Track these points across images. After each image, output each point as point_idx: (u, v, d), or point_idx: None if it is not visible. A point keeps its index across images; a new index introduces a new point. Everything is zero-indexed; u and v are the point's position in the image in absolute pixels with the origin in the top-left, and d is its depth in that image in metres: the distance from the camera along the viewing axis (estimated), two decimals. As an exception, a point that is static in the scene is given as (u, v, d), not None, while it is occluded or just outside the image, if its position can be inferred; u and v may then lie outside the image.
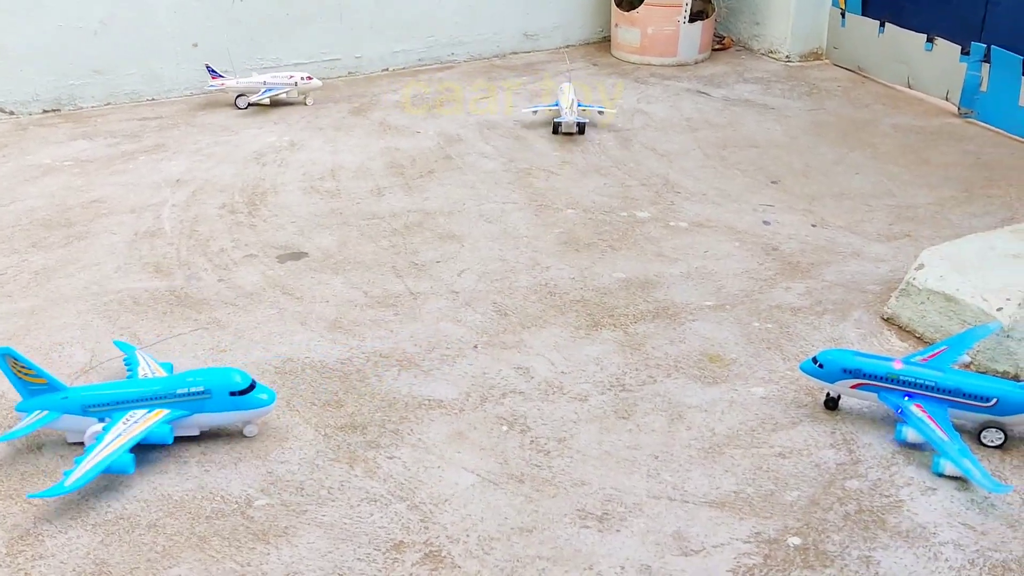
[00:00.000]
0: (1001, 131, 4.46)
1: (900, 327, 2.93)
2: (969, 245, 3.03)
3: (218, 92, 4.81)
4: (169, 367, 2.64)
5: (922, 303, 2.86)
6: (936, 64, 4.82)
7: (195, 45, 4.94)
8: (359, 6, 5.23)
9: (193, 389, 2.37)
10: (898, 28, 5.01)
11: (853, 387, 2.48)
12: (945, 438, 2.31)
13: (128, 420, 2.34)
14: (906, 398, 2.42)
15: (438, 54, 5.51)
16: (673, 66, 5.47)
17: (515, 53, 5.64)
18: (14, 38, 4.60)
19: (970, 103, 4.62)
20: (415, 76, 5.35)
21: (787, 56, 5.53)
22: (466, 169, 4.12)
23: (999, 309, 2.67)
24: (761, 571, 2.07)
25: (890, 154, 4.27)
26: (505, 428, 2.52)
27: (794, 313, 3.02)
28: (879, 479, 2.33)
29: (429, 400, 2.63)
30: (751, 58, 5.65)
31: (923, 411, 2.38)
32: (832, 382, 2.50)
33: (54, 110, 4.77)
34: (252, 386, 2.41)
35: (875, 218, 3.68)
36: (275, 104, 4.79)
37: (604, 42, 5.83)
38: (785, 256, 3.38)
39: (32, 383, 2.36)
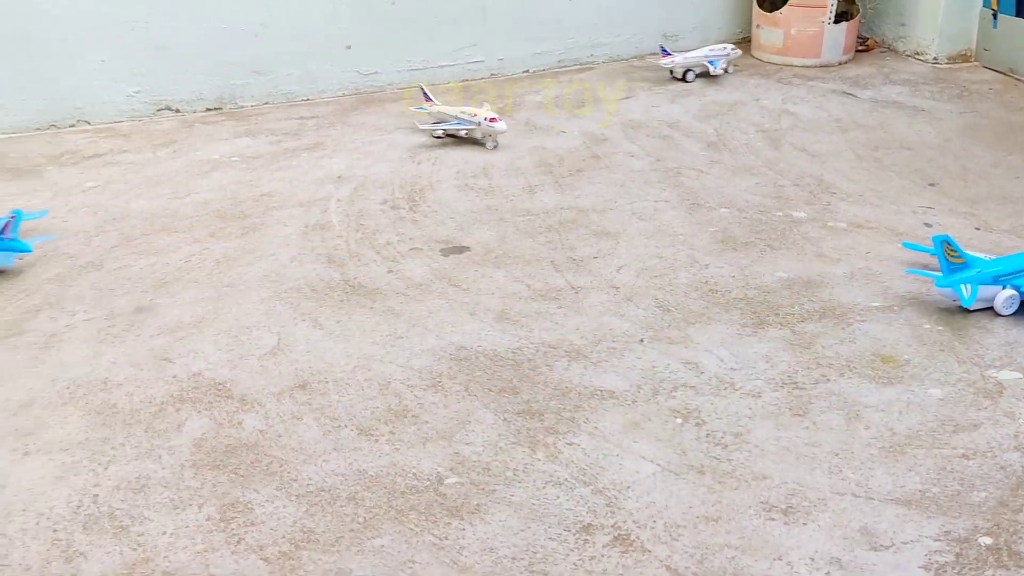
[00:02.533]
0: None
1: (1080, 332, 2.86)
2: None
3: (667, 68, 5.19)
4: None
5: (1105, 308, 2.79)
6: (1100, 65, 4.66)
7: (349, 47, 5.12)
8: (502, 9, 5.34)
9: None
10: (1057, 28, 4.86)
11: None
12: None
13: None
14: None
15: (577, 56, 5.58)
16: (816, 67, 5.42)
17: (654, 54, 5.66)
18: (181, 40, 4.85)
19: None
20: (555, 77, 5.43)
21: (934, 58, 5.41)
22: (614, 168, 4.18)
23: None
24: (954, 569, 2.06)
25: (1053, 157, 4.15)
26: (680, 420, 2.56)
27: (966, 316, 2.98)
28: (1071, 484, 2.29)
29: (601, 390, 2.68)
30: (896, 60, 5.55)
31: None
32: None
33: (216, 108, 5.01)
34: None
35: (1043, 222, 3.58)
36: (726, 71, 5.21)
37: (744, 43, 5.80)
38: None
39: (954, 263, 2.96)
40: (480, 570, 2.09)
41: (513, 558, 2.11)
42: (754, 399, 2.63)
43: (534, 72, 5.51)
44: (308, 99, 5.14)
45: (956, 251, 2.95)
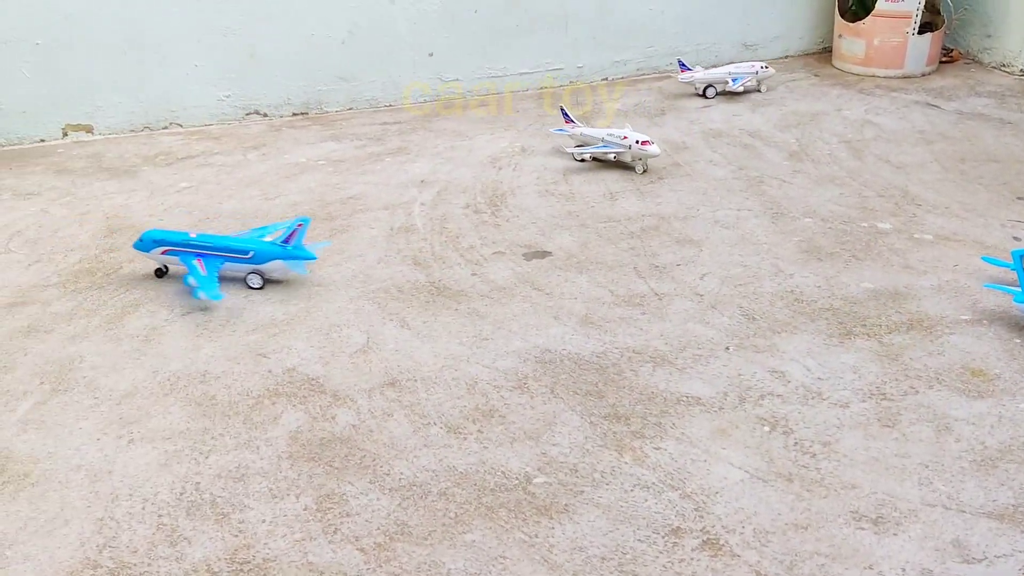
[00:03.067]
0: None
1: None
2: None
3: (687, 83, 5.17)
4: None
5: None
6: None
7: (431, 55, 5.21)
8: (582, 17, 5.39)
9: None
10: None
11: None
12: None
13: None
14: None
15: (656, 64, 5.60)
16: (899, 78, 5.35)
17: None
18: (269, 46, 4.99)
19: None
20: (634, 85, 5.45)
21: (1021, 70, 5.31)
22: (696, 176, 4.18)
23: None
24: (1051, 586, 2.04)
25: None
26: (767, 428, 2.56)
27: (1059, 331, 2.93)
28: None
29: (687, 396, 2.70)
30: (981, 71, 5.46)
31: None
32: None
33: (302, 113, 5.14)
34: None
35: None
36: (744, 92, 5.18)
37: (824, 53, 5.77)
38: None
39: None
40: (570, 568, 2.12)
41: (603, 558, 2.15)
42: (842, 409, 2.63)
43: (613, 80, 5.54)
44: (391, 105, 5.24)
45: None
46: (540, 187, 4.13)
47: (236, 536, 2.24)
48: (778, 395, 2.70)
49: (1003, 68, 5.42)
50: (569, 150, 4.36)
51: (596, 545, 2.18)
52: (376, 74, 5.18)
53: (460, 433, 2.57)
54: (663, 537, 2.20)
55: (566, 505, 2.31)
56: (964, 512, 2.25)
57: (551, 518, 2.27)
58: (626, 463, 2.45)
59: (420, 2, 5.13)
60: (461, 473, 2.42)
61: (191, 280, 3.20)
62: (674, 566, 2.12)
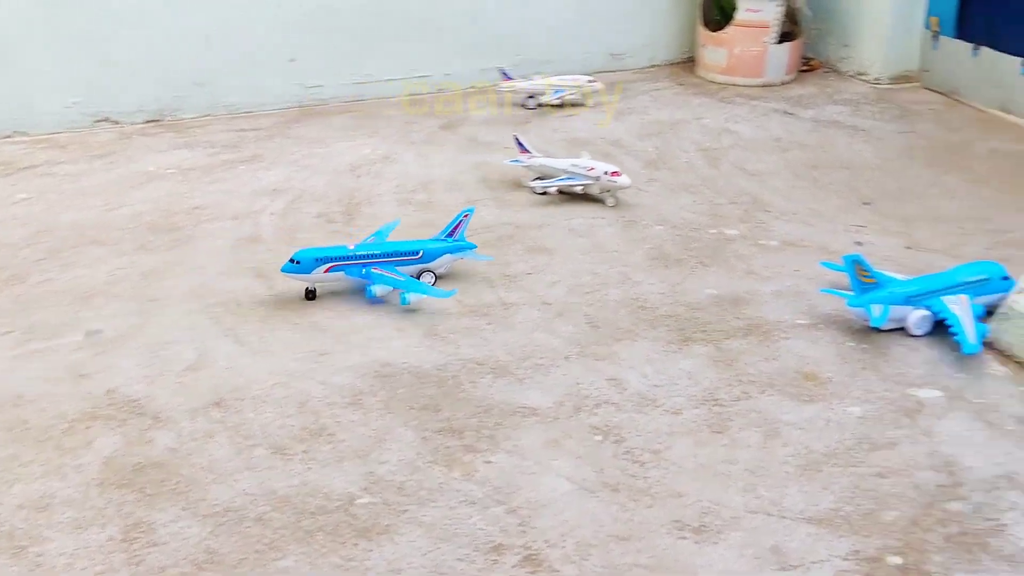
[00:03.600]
0: (1102, 157, 4.36)
1: (1000, 351, 2.89)
2: (1073, 270, 2.97)
3: (507, 92, 5.04)
4: None
5: (1022, 328, 2.81)
6: (1034, 88, 4.74)
7: (292, 60, 5.08)
8: (450, 24, 5.33)
9: (978, 278, 2.99)
10: (993, 51, 4.93)
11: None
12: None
13: (954, 302, 2.91)
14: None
15: (525, 72, 5.57)
16: (759, 87, 5.46)
17: (602, 72, 5.67)
18: (122, 50, 4.79)
19: (1070, 128, 4.53)
20: (502, 94, 5.41)
21: (876, 78, 5.47)
22: (555, 184, 4.16)
23: (1107, 335, 2.61)
24: (862, 589, 2.06)
25: (986, 178, 4.20)
26: (599, 438, 2.54)
27: (890, 335, 2.99)
28: (981, 503, 2.29)
29: (523, 407, 2.66)
30: (839, 80, 5.61)
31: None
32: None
33: (156, 120, 4.95)
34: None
35: (972, 242, 3.62)
36: (561, 105, 5.01)
37: (689, 62, 5.84)
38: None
39: (866, 283, 2.96)
40: (385, 591, 2.05)
41: (419, 579, 2.08)
42: (674, 416, 2.62)
43: (481, 88, 5.49)
44: (250, 111, 5.09)
45: (867, 271, 2.95)
46: (399, 196, 4.06)
47: (32, 571, 2.10)
48: (613, 403, 2.68)
49: (860, 76, 5.58)
50: (529, 184, 4.01)
51: (414, 566, 2.12)
52: (235, 79, 5.03)
53: (285, 454, 2.47)
54: (483, 555, 2.15)
55: (387, 526, 2.23)
56: (785, 518, 2.26)
57: (370, 540, 2.19)
58: (455, 479, 2.39)
59: (282, 6, 5.00)
60: (281, 496, 2.33)
61: (378, 290, 3.14)
62: (491, 585, 2.07)
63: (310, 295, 3.22)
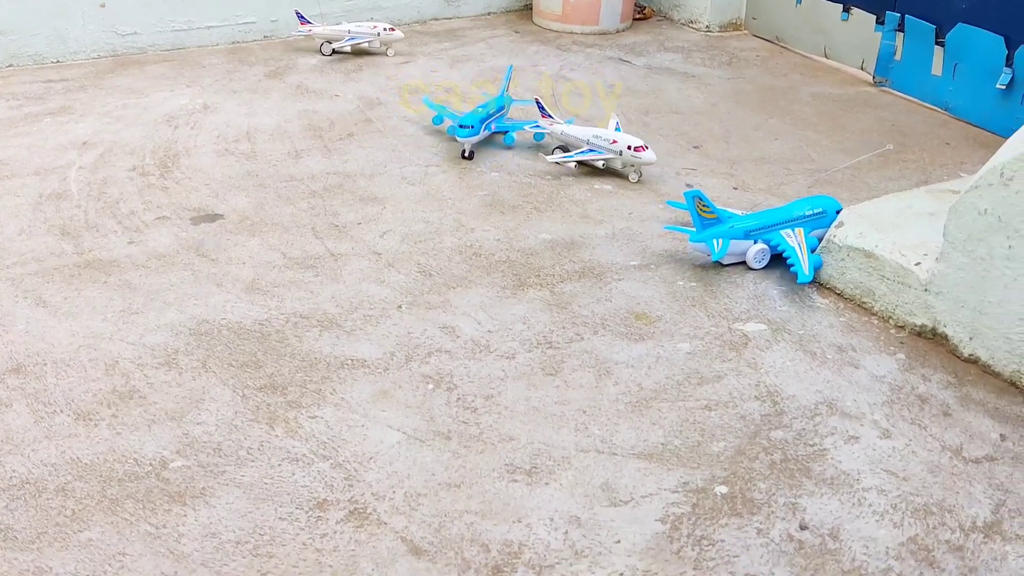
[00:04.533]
0: (914, 99, 4.56)
1: (820, 284, 2.97)
2: (887, 204, 3.08)
3: (303, 39, 4.89)
4: None
5: (842, 260, 2.90)
6: (852, 34, 4.90)
7: (102, 6, 4.73)
8: (275, -32, 5.05)
9: (815, 211, 3.06)
10: (815, -1, 5.08)
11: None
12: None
13: (790, 235, 2.96)
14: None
15: (356, 18, 5.37)
16: (595, 34, 5.45)
17: (436, 19, 5.55)
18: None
19: (885, 72, 4.71)
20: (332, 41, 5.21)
21: (707, 26, 5.56)
22: (387, 132, 4.04)
23: (917, 264, 2.72)
24: (690, 519, 2.07)
25: (808, 121, 4.32)
26: (431, 386, 2.47)
27: (718, 272, 3.03)
28: (803, 429, 2.35)
29: (352, 360, 2.56)
30: (672, 28, 5.67)
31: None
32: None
33: (-51, 71, 4.52)
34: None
35: (795, 181, 3.72)
36: (356, 53, 4.86)
37: (526, 10, 5.78)
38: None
39: (707, 218, 2.97)
40: (198, 558, 1.92)
41: (237, 542, 1.96)
42: (507, 361, 2.58)
43: (311, 35, 5.26)
44: (58, 61, 4.71)
45: (708, 206, 2.99)
46: (219, 146, 3.84)
47: None
48: (446, 351, 2.61)
49: (691, 25, 5.65)
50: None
51: (231, 529, 1.99)
52: (39, 27, 4.63)
53: (91, 420, 2.29)
54: (306, 512, 2.04)
55: (203, 489, 2.10)
56: (616, 455, 2.25)
57: (184, 505, 2.05)
58: (277, 436, 2.27)
59: (87, -53, 4.63)
60: (86, 464, 2.15)
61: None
62: (315, 542, 1.97)
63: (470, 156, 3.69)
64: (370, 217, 3.33)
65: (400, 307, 2.81)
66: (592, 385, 2.49)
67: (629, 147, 3.60)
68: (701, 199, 2.98)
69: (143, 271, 2.93)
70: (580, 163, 3.71)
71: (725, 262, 3.03)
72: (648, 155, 3.59)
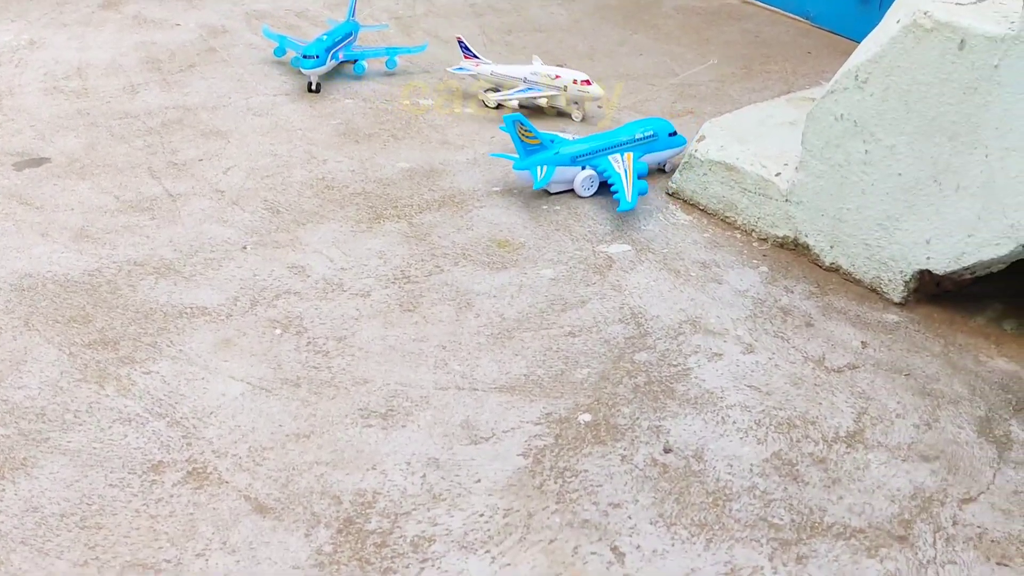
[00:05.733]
0: (777, 10, 4.52)
1: (684, 200, 2.91)
2: (748, 115, 3.02)
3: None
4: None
5: (704, 174, 2.84)
6: (714, -56, 4.81)
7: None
8: None
9: (645, 134, 2.93)
10: (677, -91, 4.95)
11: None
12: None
13: (616, 160, 2.84)
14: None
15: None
16: (455, -48, 5.21)
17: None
18: None
19: (747, -18, 4.65)
20: (174, -34, 4.85)
21: (571, -59, 5.37)
22: (232, 62, 3.77)
23: (777, 175, 2.67)
24: (552, 451, 1.99)
25: (672, 35, 4.24)
26: (279, 331, 2.31)
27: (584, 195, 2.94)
28: (667, 350, 2.29)
29: (191, 308, 2.37)
30: (535, -56, 5.47)
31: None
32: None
33: None
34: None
35: (659, 97, 3.63)
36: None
37: (382, -72, 5.48)
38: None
39: (530, 144, 2.80)
40: (19, 536, 1.75)
41: (62, 515, 1.79)
42: (362, 299, 2.43)
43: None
44: None
45: (531, 131, 2.83)
46: (47, 84, 3.52)
47: None
48: (296, 292, 2.45)
49: (555, -59, 5.46)
50: (483, 96, 3.44)
51: (55, 500, 1.82)
52: None
53: None
54: (139, 476, 1.88)
55: (24, 459, 1.91)
56: (476, 390, 2.15)
57: (3, 478, 1.86)
58: (107, 396, 2.08)
59: None
60: None
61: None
62: (149, 508, 1.82)
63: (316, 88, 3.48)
64: (212, 153, 3.10)
65: (245, 248, 2.62)
66: (452, 319, 2.38)
67: (575, 81, 3.31)
68: (523, 123, 2.82)
69: (-44, 224, 2.66)
70: (522, 105, 3.40)
71: (553, 190, 2.90)
72: (595, 89, 3.32)
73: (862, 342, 2.34)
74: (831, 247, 2.58)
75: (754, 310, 2.43)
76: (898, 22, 2.30)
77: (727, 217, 2.80)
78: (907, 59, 2.28)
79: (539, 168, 2.83)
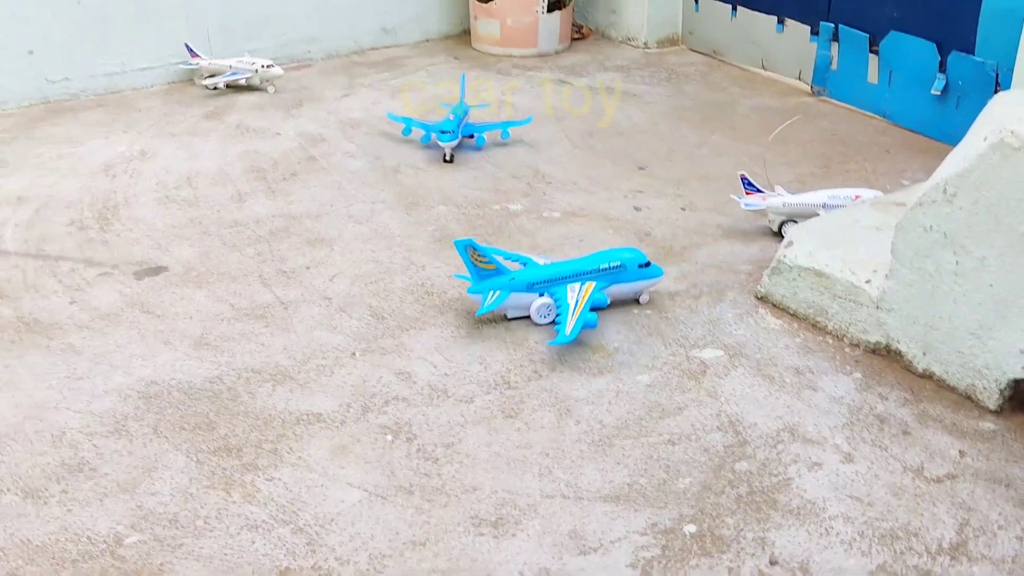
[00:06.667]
0: (853, 107, 4.62)
1: (774, 304, 2.98)
2: (834, 220, 3.10)
3: (191, 69, 4.94)
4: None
5: (794, 280, 2.91)
6: (788, 45, 4.96)
7: (31, 52, 4.61)
8: (204, 5, 4.99)
9: (611, 265, 2.88)
10: (750, 11, 5.13)
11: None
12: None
13: (573, 290, 2.81)
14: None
15: (292, 52, 5.32)
16: (534, 57, 5.45)
17: (374, 48, 5.51)
18: None
19: (822, 81, 4.77)
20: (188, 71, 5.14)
21: (645, 43, 5.59)
22: (331, 170, 3.99)
23: (867, 281, 2.74)
24: (660, 563, 2.05)
25: (750, 135, 4.36)
26: (390, 438, 2.42)
27: (671, 298, 3.03)
28: (767, 459, 2.35)
29: (307, 415, 2.51)
30: (610, 46, 5.69)
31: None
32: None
33: None
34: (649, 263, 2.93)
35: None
36: (232, 87, 4.86)
37: (464, 35, 5.76)
38: (658, 241, 3.40)
39: (484, 268, 2.82)
40: (160, 640, 1.86)
41: (199, 620, 1.91)
42: (466, 405, 2.54)
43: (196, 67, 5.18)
44: (-13, 112, 4.59)
45: (484, 256, 2.81)
46: (160, 194, 3.76)
47: None
48: (403, 398, 2.57)
49: (629, 42, 5.67)
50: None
51: (192, 607, 1.94)
52: (-37, 77, 4.52)
53: (40, 497, 2.21)
54: (269, 583, 1.99)
55: (161, 564, 2.04)
56: (582, 499, 2.23)
57: (142, 583, 1.99)
58: (234, 502, 2.21)
59: (10, -7, 4.54)
60: (37, 546, 2.08)
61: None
62: (280, 615, 1.92)
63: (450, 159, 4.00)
64: (318, 260, 3.27)
65: (354, 354, 2.76)
66: (553, 425, 2.47)
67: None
68: (475, 248, 2.79)
69: (87, 332, 2.85)
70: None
71: (510, 315, 2.88)
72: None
73: (960, 451, 2.37)
74: (924, 354, 2.62)
75: (850, 418, 2.47)
76: (985, 139, 2.38)
77: (818, 322, 2.86)
78: (995, 175, 2.35)
79: (492, 293, 2.82)
